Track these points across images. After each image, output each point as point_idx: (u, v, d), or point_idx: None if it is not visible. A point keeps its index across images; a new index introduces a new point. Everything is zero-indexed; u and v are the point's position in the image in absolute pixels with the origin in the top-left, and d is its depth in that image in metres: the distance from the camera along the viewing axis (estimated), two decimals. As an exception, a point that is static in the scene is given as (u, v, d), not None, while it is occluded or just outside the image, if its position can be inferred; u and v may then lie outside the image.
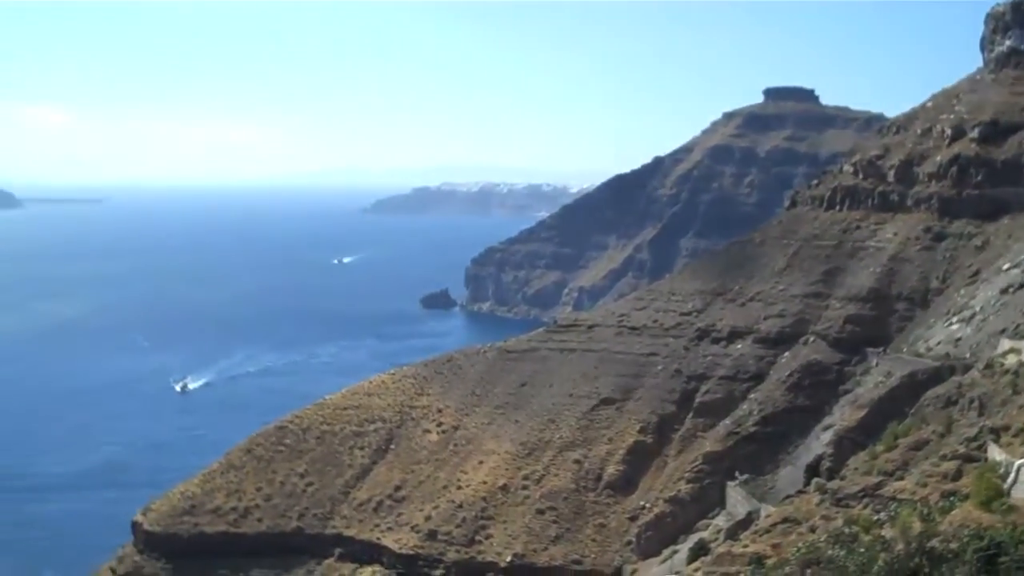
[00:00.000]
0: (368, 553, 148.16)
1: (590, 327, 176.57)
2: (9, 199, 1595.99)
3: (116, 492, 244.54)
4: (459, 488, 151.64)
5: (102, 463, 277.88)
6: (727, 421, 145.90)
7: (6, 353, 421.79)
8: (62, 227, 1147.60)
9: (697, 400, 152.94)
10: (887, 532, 36.81)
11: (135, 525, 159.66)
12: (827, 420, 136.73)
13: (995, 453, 53.03)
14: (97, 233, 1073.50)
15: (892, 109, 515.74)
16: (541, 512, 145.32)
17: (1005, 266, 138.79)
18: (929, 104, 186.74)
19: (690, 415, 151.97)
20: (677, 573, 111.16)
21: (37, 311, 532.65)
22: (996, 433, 59.12)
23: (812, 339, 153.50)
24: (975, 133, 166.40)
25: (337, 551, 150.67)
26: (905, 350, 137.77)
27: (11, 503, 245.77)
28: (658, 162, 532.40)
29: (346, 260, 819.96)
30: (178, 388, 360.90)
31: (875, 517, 49.52)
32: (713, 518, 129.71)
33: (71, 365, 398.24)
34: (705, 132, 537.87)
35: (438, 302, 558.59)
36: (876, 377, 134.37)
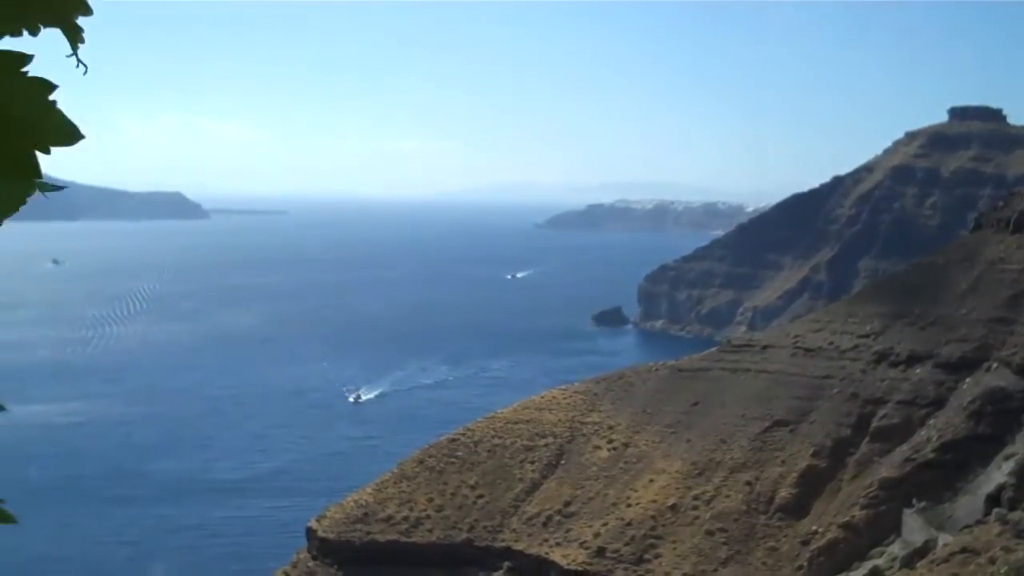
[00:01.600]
0: (536, 568, 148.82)
1: (764, 348, 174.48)
2: (196, 210, 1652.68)
3: (290, 499, 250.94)
4: (628, 506, 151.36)
5: (277, 470, 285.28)
6: (904, 447, 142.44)
7: (185, 361, 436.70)
8: (245, 237, 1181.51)
9: (873, 424, 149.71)
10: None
11: (309, 531, 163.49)
12: (1009, 449, 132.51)
13: None
14: (278, 244, 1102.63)
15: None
16: (711, 533, 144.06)
17: None
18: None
19: (866, 440, 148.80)
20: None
21: (217, 320, 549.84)
22: None
23: (995, 365, 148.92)
24: None
25: (506, 564, 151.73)
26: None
27: (187, 507, 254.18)
28: (837, 182, 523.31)
29: (519, 275, 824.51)
30: (351, 399, 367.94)
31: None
32: (888, 545, 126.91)
33: (247, 374, 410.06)
34: (886, 152, 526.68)
35: (610, 319, 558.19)
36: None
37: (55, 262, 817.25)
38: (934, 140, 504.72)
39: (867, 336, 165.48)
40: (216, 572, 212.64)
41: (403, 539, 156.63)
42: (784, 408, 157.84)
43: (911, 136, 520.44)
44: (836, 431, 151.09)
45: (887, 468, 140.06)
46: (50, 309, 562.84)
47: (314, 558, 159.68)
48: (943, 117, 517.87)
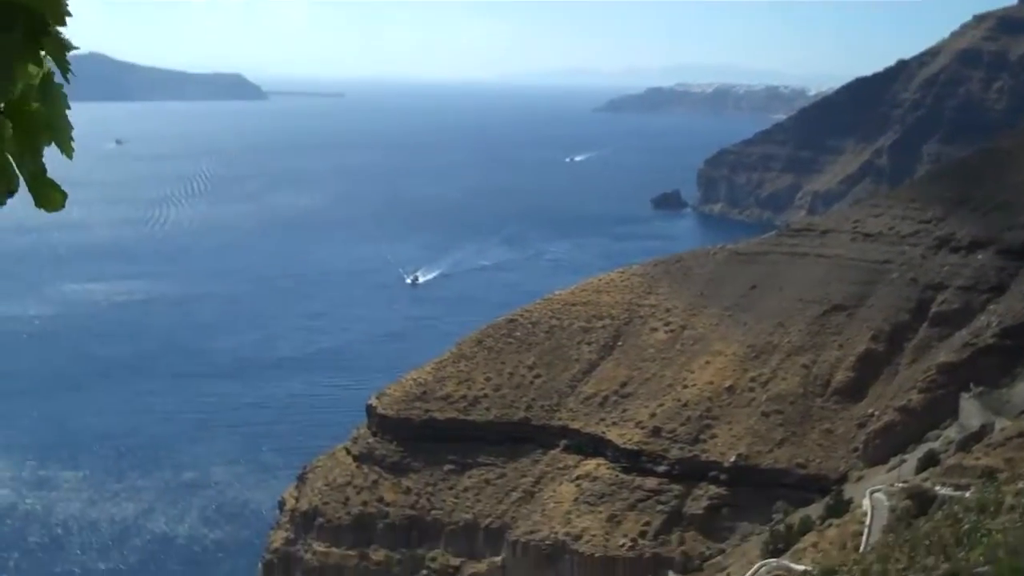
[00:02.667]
0: (593, 446, 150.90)
1: (824, 232, 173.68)
2: (256, 91, 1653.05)
3: (350, 377, 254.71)
4: (685, 387, 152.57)
5: (336, 349, 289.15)
6: (963, 332, 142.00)
7: (245, 242, 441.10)
8: (304, 120, 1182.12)
9: (933, 309, 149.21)
10: None
11: (369, 408, 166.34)
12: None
13: None
14: (336, 126, 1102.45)
15: None
16: (767, 415, 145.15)
17: None
18: None
19: (924, 324, 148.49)
20: (905, 482, 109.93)
21: (276, 201, 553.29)
22: None
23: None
24: None
25: (562, 443, 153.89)
26: None
27: (249, 384, 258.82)
28: (902, 65, 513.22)
29: (578, 159, 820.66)
30: (409, 280, 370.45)
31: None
32: (944, 429, 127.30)
33: (306, 255, 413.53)
34: (953, 35, 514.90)
35: (669, 203, 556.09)
36: None
37: (118, 142, 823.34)
38: (1003, 23, 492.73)
39: (928, 221, 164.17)
40: (278, 448, 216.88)
41: (461, 417, 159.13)
42: (842, 292, 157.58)
43: (979, 19, 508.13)
44: (895, 316, 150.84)
45: (945, 353, 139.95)
46: (112, 189, 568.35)
47: (374, 435, 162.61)
48: (1013, 0, 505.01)
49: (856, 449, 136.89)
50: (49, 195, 5.63)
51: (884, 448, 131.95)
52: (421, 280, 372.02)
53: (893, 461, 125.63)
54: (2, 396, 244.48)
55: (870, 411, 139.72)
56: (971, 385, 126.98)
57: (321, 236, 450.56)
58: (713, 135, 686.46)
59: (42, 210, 5.68)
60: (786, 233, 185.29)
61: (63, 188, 5.61)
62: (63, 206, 5.64)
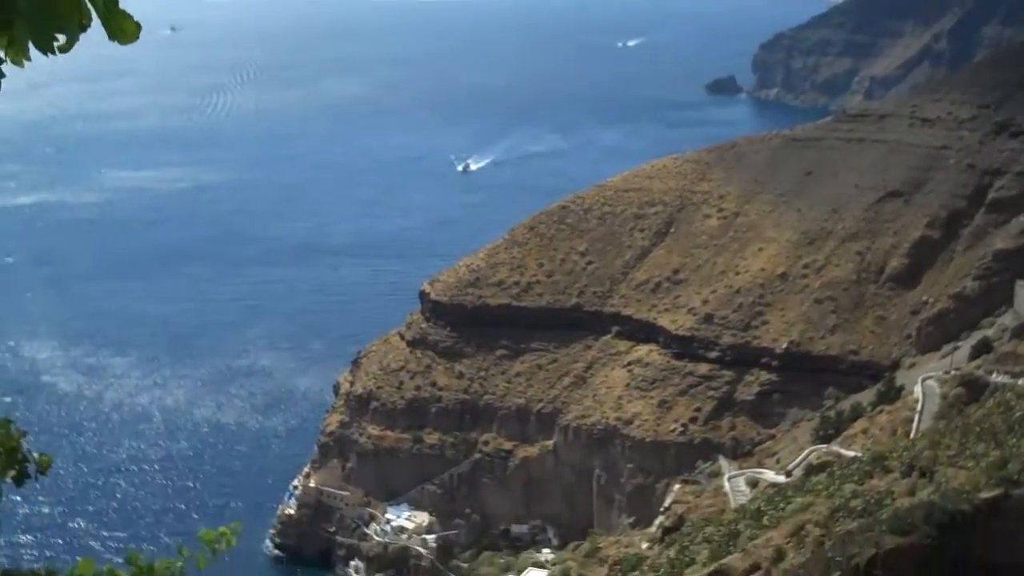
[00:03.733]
0: (645, 332, 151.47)
1: (881, 117, 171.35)
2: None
3: (403, 263, 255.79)
4: (737, 274, 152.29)
5: (389, 235, 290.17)
6: (1021, 218, 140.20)
7: (297, 129, 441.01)
8: (354, 8, 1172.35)
9: (990, 196, 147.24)
10: None
11: (423, 294, 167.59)
12: None
13: None
14: (386, 13, 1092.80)
15: None
16: (819, 301, 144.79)
17: None
18: None
19: (981, 211, 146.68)
20: (957, 369, 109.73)
21: (327, 89, 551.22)
22: None
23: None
24: None
25: (614, 329, 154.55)
26: None
27: (303, 269, 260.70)
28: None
29: (631, 44, 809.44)
30: (460, 168, 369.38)
31: None
32: (999, 317, 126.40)
33: (358, 142, 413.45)
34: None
35: (724, 88, 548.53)
36: None
37: (172, 29, 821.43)
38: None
39: (987, 106, 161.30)
40: (331, 334, 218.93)
41: (514, 303, 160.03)
42: (899, 178, 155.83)
43: None
44: (951, 202, 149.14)
45: (1002, 239, 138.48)
46: (166, 77, 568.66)
47: (427, 320, 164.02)
48: None
49: (909, 336, 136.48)
50: (122, 26, 5.60)
51: (937, 335, 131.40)
52: (473, 167, 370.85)
53: (946, 348, 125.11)
54: (57, 282, 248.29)
55: (924, 298, 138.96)
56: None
57: (372, 124, 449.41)
58: (769, 19, 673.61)
59: (115, 42, 5.70)
60: (842, 118, 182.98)
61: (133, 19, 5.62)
62: (137, 37, 5.64)
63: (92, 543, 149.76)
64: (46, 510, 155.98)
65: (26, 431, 7.05)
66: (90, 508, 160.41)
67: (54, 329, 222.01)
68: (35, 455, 7.01)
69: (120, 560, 6.75)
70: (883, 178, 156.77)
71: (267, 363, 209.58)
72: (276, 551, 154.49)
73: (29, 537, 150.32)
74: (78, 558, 6.23)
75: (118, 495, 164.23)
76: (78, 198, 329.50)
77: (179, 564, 6.51)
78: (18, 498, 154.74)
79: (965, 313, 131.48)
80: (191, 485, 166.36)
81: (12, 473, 6.90)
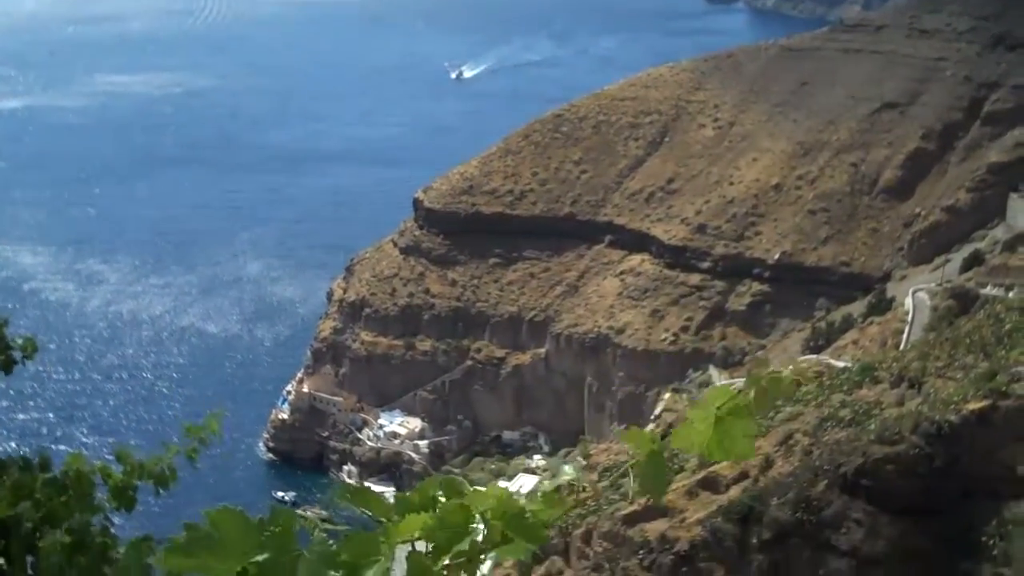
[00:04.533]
0: (637, 242, 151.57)
1: (878, 28, 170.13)
2: None
3: (396, 170, 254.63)
4: (731, 184, 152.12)
5: (382, 142, 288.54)
6: (1016, 131, 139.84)
7: (292, 35, 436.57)
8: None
9: (986, 108, 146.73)
10: None
11: (416, 202, 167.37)
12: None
13: None
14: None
15: None
16: (813, 212, 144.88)
17: None
18: None
19: (977, 123, 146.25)
20: (949, 282, 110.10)
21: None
22: None
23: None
24: None
25: (607, 238, 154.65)
26: None
27: (296, 176, 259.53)
28: None
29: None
30: (453, 75, 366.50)
31: None
32: (991, 229, 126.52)
33: (350, 49, 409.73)
34: None
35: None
36: None
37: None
38: None
39: (985, 18, 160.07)
40: (323, 241, 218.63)
41: (507, 211, 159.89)
42: (895, 90, 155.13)
43: None
44: (947, 114, 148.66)
45: (996, 152, 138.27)
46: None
47: (420, 227, 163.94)
48: None
49: (901, 248, 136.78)
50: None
51: (929, 247, 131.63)
52: (467, 75, 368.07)
53: (938, 261, 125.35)
54: (46, 186, 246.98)
55: (917, 210, 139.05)
56: (1020, 185, 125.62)
57: (366, 31, 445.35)
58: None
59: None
60: (840, 28, 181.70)
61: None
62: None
63: (83, 449, 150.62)
64: (36, 415, 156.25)
65: (7, 317, 7.04)
66: (81, 415, 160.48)
67: (43, 234, 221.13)
68: (19, 340, 7.03)
69: (111, 459, 6.84)
70: (879, 89, 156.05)
71: (258, 270, 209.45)
72: (269, 455, 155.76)
73: (18, 444, 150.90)
74: (68, 451, 6.31)
75: (110, 402, 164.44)
76: (70, 102, 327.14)
77: (169, 457, 6.61)
78: (5, 403, 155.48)
79: (957, 225, 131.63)
80: (182, 392, 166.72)
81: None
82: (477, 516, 2.68)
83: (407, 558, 2.64)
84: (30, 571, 5.89)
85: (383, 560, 2.61)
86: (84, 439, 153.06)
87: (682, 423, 2.60)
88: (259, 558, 2.53)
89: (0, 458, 6.31)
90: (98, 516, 6.03)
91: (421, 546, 2.62)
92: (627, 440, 2.75)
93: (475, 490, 2.80)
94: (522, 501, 2.53)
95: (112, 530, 6.05)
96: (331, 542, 2.61)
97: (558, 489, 2.73)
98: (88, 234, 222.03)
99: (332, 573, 2.57)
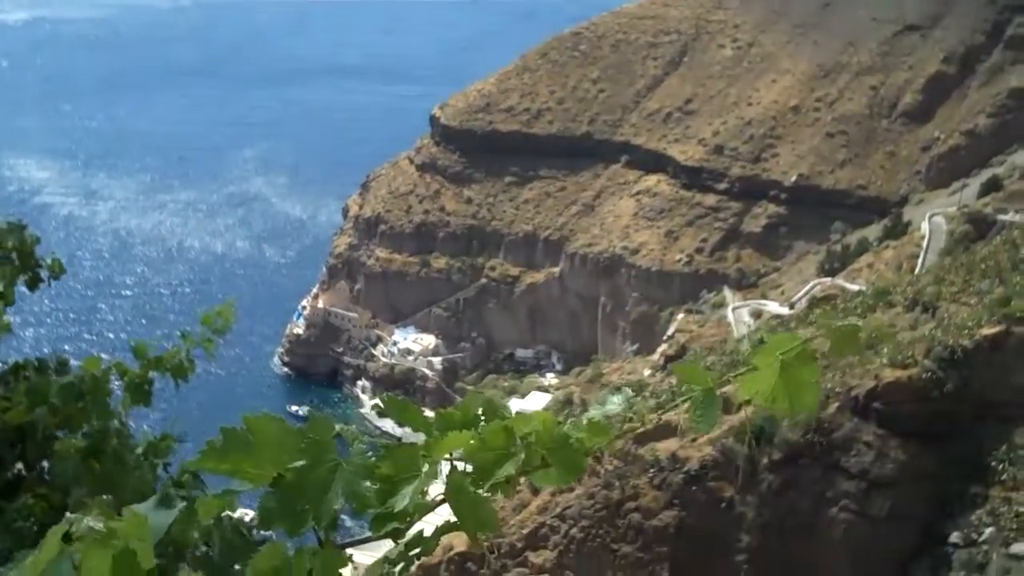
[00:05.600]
0: (654, 162, 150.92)
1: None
2: None
3: (414, 86, 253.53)
4: (749, 105, 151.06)
5: (401, 57, 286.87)
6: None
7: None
8: None
9: (1008, 32, 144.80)
10: None
11: (432, 119, 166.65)
12: None
13: None
14: None
15: None
16: (831, 135, 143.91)
17: None
18: None
19: (999, 47, 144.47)
20: (966, 206, 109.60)
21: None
22: None
23: None
24: None
25: (624, 158, 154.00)
26: None
27: (314, 90, 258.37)
28: None
29: None
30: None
31: None
32: (1010, 155, 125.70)
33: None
34: None
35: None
36: None
37: None
38: None
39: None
40: (339, 157, 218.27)
41: (524, 130, 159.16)
42: (917, 12, 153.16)
43: None
44: (969, 38, 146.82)
45: (1018, 77, 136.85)
46: None
47: (436, 144, 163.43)
48: None
49: (919, 172, 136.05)
50: None
51: (947, 172, 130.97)
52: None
53: (955, 185, 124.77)
54: (59, 98, 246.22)
55: (936, 134, 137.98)
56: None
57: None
58: None
59: None
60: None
61: None
62: None
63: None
64: (43, 331, 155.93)
65: (38, 236, 7.09)
66: (93, 329, 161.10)
67: (53, 148, 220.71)
68: (48, 260, 7.08)
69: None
70: (901, 11, 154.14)
71: (269, 188, 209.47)
72: (284, 369, 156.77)
73: (33, 352, 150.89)
74: (84, 358, 6.32)
75: (121, 318, 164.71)
76: (80, 13, 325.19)
77: (186, 350, 6.60)
78: (17, 319, 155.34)
79: (976, 150, 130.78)
80: (197, 306, 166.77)
81: (26, 277, 6.96)
82: (518, 439, 2.65)
83: (447, 477, 2.61)
84: (46, 476, 5.94)
85: (423, 476, 2.58)
86: (97, 349, 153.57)
87: (746, 371, 2.66)
88: (296, 465, 2.49)
89: (17, 360, 6.34)
90: (114, 420, 6.05)
91: (459, 465, 2.68)
92: (682, 375, 2.74)
93: (519, 413, 2.75)
94: (567, 427, 2.71)
95: (128, 434, 6.08)
96: (370, 454, 2.57)
97: (606, 417, 2.78)
98: (97, 148, 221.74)
99: (370, 485, 2.54)
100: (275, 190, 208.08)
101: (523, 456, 2.65)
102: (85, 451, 5.78)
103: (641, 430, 46.54)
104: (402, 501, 2.56)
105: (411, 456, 2.61)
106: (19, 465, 6.00)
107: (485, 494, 2.64)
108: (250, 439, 2.51)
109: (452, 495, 2.59)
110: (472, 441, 2.65)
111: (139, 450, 6.07)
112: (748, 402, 2.62)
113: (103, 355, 6.25)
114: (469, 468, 2.52)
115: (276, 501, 2.49)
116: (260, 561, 2.50)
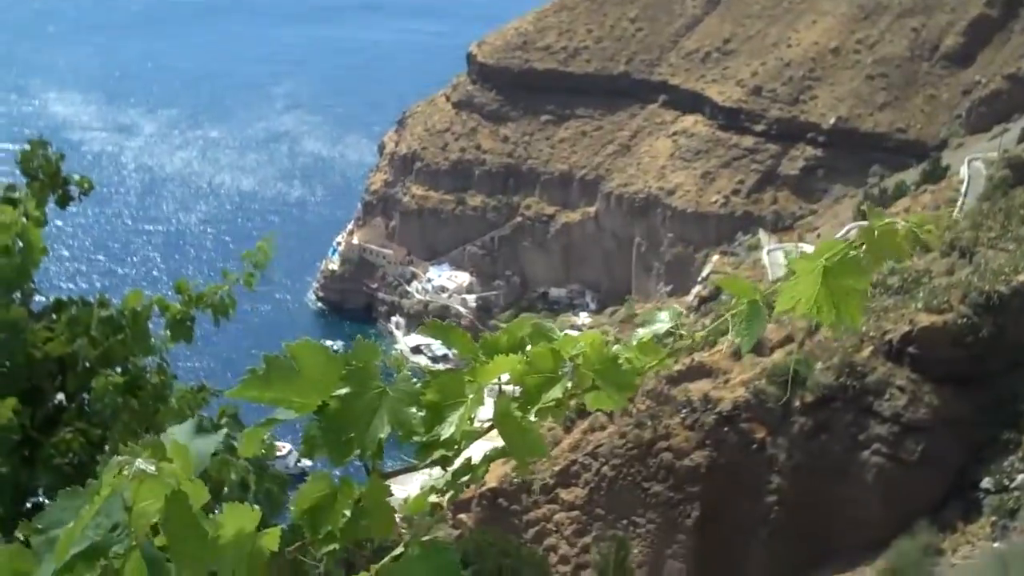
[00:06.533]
0: (691, 103, 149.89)
1: None
2: None
3: (451, 23, 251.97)
4: (789, 46, 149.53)
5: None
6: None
7: None
8: None
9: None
10: None
11: (469, 56, 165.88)
12: None
13: None
14: None
15: None
16: (871, 78, 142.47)
17: None
18: None
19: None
20: (1006, 151, 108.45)
21: None
22: None
23: None
24: None
25: (661, 98, 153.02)
26: None
27: (345, 28, 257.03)
28: None
29: None
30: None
31: None
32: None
33: None
34: None
35: None
36: None
37: None
38: None
39: None
40: (375, 96, 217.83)
41: (561, 68, 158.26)
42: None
43: None
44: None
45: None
46: None
47: (473, 82, 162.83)
48: None
49: (959, 116, 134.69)
50: None
51: (988, 116, 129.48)
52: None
53: (996, 130, 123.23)
54: (89, 31, 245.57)
55: (977, 78, 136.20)
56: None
57: None
58: None
59: None
60: None
61: None
62: None
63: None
64: (70, 266, 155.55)
65: (63, 152, 7.07)
66: (129, 263, 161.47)
67: (83, 83, 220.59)
68: (75, 177, 7.07)
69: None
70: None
71: (303, 124, 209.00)
72: (319, 304, 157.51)
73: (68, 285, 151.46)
74: (126, 291, 6.36)
75: (157, 256, 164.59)
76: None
77: (228, 286, 6.65)
78: (50, 255, 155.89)
79: (1018, 95, 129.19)
80: (230, 243, 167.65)
81: (56, 197, 6.96)
82: (567, 361, 2.57)
83: (495, 401, 2.52)
84: (85, 409, 6.02)
85: (469, 402, 2.49)
86: (135, 284, 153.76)
87: (786, 280, 2.55)
88: (340, 392, 2.40)
89: (59, 298, 6.41)
90: (154, 357, 6.12)
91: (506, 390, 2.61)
92: (728, 286, 2.68)
93: (566, 335, 2.67)
94: (616, 348, 2.64)
95: (169, 372, 6.15)
96: (415, 380, 2.48)
97: (655, 338, 2.70)
98: (128, 84, 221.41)
99: (416, 411, 2.45)
100: (305, 128, 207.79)
101: (571, 378, 2.56)
102: (124, 387, 5.85)
103: (674, 370, 46.65)
104: (449, 428, 2.46)
105: (457, 382, 2.50)
106: (59, 397, 6.08)
107: (533, 419, 2.54)
108: (294, 366, 2.40)
109: (500, 421, 2.51)
110: (519, 365, 2.55)
111: (173, 400, 6.13)
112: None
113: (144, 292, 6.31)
114: (516, 393, 2.61)
115: (320, 430, 2.40)
116: (307, 490, 2.42)
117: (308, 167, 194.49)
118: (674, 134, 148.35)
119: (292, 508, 2.42)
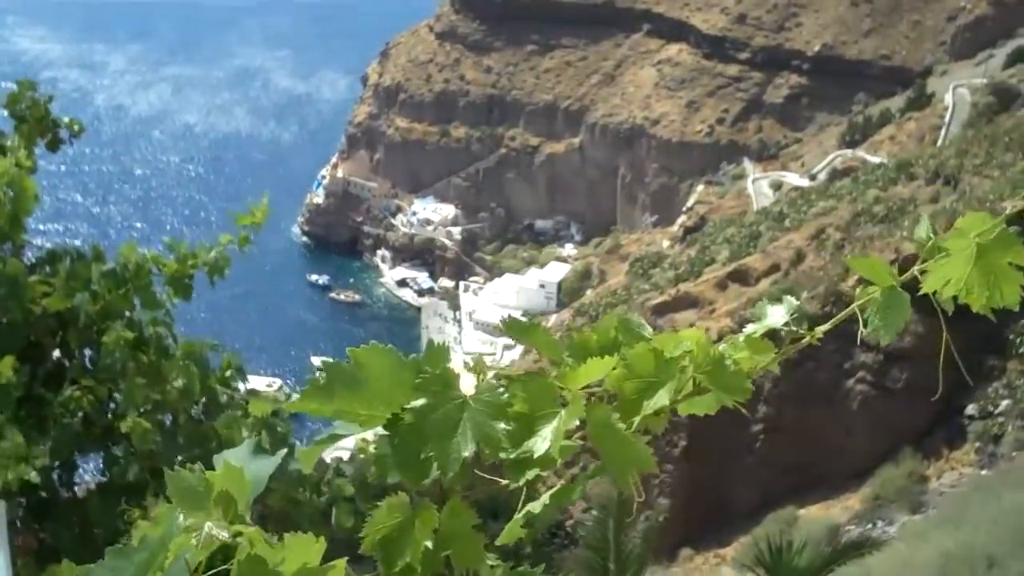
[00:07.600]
0: (676, 31, 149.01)
1: None
2: None
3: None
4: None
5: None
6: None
7: None
8: None
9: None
10: None
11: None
12: None
13: None
14: None
15: None
16: (855, 4, 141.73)
17: None
18: None
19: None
20: (991, 77, 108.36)
21: None
22: None
23: None
24: None
25: (645, 27, 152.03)
26: None
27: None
28: None
29: None
30: None
31: None
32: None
33: None
34: None
35: None
36: None
37: None
38: None
39: None
40: (354, 24, 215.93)
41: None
42: None
43: None
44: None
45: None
46: None
47: (456, 12, 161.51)
48: None
49: (943, 42, 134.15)
50: None
51: (973, 42, 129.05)
52: None
53: (981, 56, 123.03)
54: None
55: (962, 3, 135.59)
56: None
57: None
58: None
59: None
60: None
61: None
62: None
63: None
64: (59, 207, 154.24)
65: (52, 93, 6.98)
66: (110, 210, 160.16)
67: (51, 19, 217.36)
68: (65, 119, 6.99)
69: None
70: None
71: (274, 59, 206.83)
72: (304, 238, 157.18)
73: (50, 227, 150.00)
74: (122, 244, 6.31)
75: (139, 202, 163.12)
76: None
77: (222, 246, 6.61)
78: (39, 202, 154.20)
79: (1003, 20, 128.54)
80: (214, 182, 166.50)
81: (45, 140, 6.89)
82: (669, 363, 2.17)
83: (588, 411, 2.08)
84: (88, 365, 6.01)
85: (565, 413, 2.04)
86: (122, 234, 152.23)
87: (935, 258, 2.26)
88: (415, 404, 2.02)
89: (54, 249, 6.35)
90: (160, 311, 6.11)
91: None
92: (861, 268, 2.34)
93: (661, 332, 2.25)
94: (722, 346, 2.26)
95: (172, 327, 6.15)
96: (500, 388, 2.03)
97: (767, 334, 2.34)
98: (97, 19, 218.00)
99: (503, 426, 2.01)
100: (277, 63, 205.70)
101: (676, 383, 2.17)
102: (133, 342, 5.85)
103: (658, 300, 46.83)
104: (543, 443, 2.02)
105: (547, 389, 2.07)
106: (56, 354, 6.04)
107: (633, 429, 2.13)
108: (358, 375, 2.05)
109: (599, 433, 2.09)
110: (615, 368, 2.12)
111: (177, 353, 6.12)
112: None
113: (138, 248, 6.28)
114: (608, 400, 2.17)
115: (393, 447, 2.04)
116: (379, 517, 2.07)
117: (285, 104, 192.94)
118: (658, 63, 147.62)
119: (363, 538, 2.07)
